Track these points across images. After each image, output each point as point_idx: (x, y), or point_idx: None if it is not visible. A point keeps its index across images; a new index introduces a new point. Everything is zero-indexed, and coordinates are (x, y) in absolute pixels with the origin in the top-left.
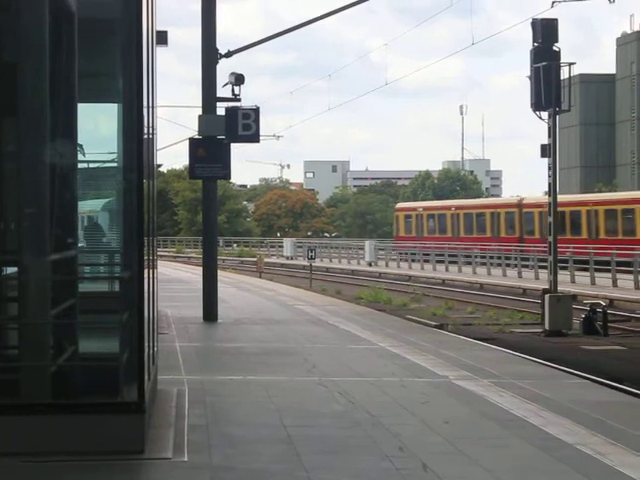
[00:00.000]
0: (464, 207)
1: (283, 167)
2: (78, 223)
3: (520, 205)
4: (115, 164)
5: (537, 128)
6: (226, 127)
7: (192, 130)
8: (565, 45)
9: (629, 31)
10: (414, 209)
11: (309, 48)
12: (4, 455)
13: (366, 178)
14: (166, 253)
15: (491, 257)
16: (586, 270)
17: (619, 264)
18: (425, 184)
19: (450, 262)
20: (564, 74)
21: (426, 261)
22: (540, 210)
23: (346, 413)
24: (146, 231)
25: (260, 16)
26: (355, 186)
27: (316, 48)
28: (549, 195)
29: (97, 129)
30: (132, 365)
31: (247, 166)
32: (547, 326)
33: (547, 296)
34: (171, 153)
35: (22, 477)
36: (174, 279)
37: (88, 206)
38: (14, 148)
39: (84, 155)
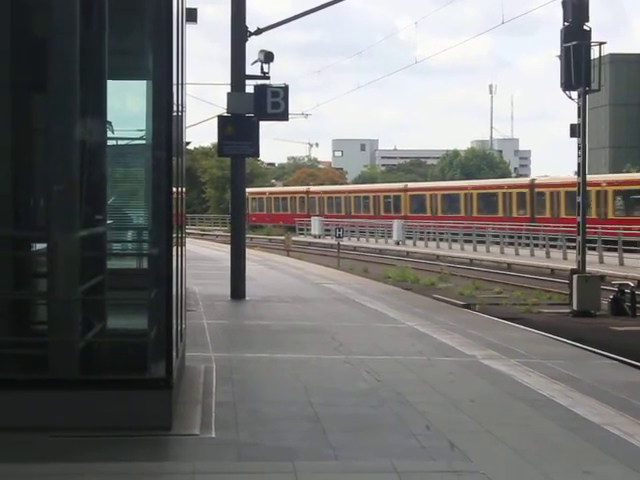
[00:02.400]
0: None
1: (311, 145)
2: (107, 200)
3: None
4: (144, 141)
5: (567, 108)
6: (255, 105)
7: (220, 108)
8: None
9: None
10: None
11: (337, 26)
12: (33, 430)
13: (394, 157)
14: (194, 231)
15: (519, 237)
16: (614, 250)
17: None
18: (453, 163)
19: (478, 242)
20: (594, 54)
21: (454, 240)
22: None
23: (373, 391)
24: (174, 208)
25: None
26: (383, 165)
27: (344, 26)
28: (578, 175)
29: (126, 106)
30: (160, 342)
31: (275, 144)
32: (575, 306)
33: (575, 276)
34: (199, 131)
35: (50, 452)
36: (202, 257)
37: (117, 183)
38: (44, 125)
39: (113, 132)
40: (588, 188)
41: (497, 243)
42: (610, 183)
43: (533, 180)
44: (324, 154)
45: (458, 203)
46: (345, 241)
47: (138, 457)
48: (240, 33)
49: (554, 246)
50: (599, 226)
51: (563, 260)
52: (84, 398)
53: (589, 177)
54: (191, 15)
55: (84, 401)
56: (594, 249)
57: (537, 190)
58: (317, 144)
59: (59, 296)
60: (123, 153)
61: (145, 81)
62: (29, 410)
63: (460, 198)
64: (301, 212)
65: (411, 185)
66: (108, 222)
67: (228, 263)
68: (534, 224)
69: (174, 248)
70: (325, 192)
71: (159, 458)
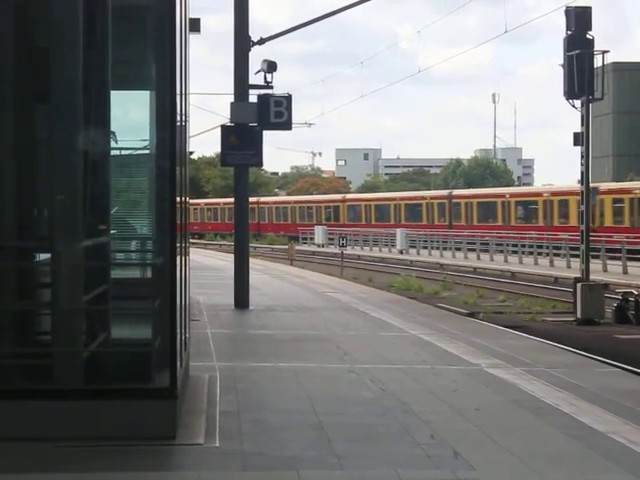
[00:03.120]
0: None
1: (315, 155)
2: (110, 210)
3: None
4: (148, 151)
5: (570, 117)
6: (258, 114)
7: (223, 117)
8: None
9: None
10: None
11: (339, 35)
12: (37, 440)
13: (398, 166)
14: (197, 241)
15: (523, 245)
16: (618, 259)
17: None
18: (456, 172)
19: (482, 250)
20: (597, 62)
21: (457, 249)
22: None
23: (377, 400)
24: (178, 218)
25: (290, 3)
26: (387, 174)
27: (346, 35)
28: (581, 184)
29: (130, 116)
30: (164, 351)
31: (279, 154)
32: (579, 315)
33: (579, 285)
34: (203, 140)
35: (55, 462)
36: (206, 266)
37: (121, 193)
38: (48, 135)
39: (117, 142)
40: (495, 199)
41: (501, 252)
42: (513, 195)
43: (450, 192)
44: (327, 163)
45: (389, 212)
46: (349, 250)
47: (142, 467)
48: (243, 43)
49: (558, 255)
50: (503, 231)
51: (567, 268)
52: (88, 408)
53: (497, 190)
54: (194, 25)
55: (88, 411)
56: (598, 257)
57: (454, 201)
58: (320, 153)
59: (63, 306)
60: (127, 163)
61: (148, 91)
62: (33, 420)
63: (390, 208)
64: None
65: (349, 196)
66: (112, 232)
67: (232, 272)
68: (452, 230)
69: (178, 258)
70: (275, 202)
71: (163, 468)
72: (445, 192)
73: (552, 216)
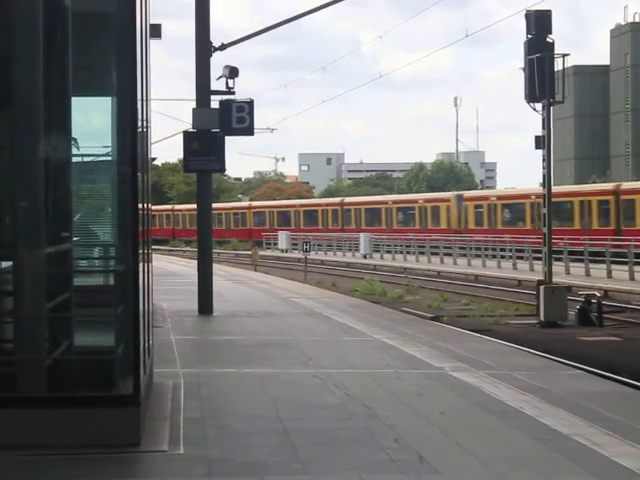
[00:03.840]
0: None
1: (278, 160)
2: (72, 217)
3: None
4: (109, 158)
5: (531, 120)
6: (220, 120)
7: (186, 123)
8: (557, 36)
9: (623, 22)
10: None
11: (300, 40)
12: (0, 448)
13: (361, 170)
14: (161, 247)
15: (486, 249)
16: (580, 261)
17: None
18: (419, 176)
19: (445, 254)
20: (558, 65)
21: (421, 253)
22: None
23: (341, 405)
24: (141, 225)
25: (249, 7)
26: (350, 178)
27: (307, 40)
28: (544, 187)
29: (91, 123)
30: (128, 358)
31: (241, 159)
32: (542, 317)
33: (542, 287)
34: (165, 146)
35: (18, 470)
36: (169, 272)
37: (83, 200)
38: (8, 142)
39: (78, 149)
40: (380, 206)
41: (464, 255)
42: (394, 202)
43: (342, 200)
44: (290, 168)
45: (290, 218)
46: (312, 255)
47: (106, 474)
48: (205, 49)
49: (521, 257)
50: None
51: (530, 271)
52: (51, 416)
53: (382, 197)
54: (155, 31)
55: (51, 419)
56: (561, 260)
57: (345, 207)
58: (283, 158)
59: (25, 314)
60: (88, 169)
61: (110, 97)
62: None
63: (291, 214)
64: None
65: (255, 204)
66: (74, 239)
67: (195, 278)
68: (345, 233)
69: (141, 264)
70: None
71: (128, 475)
72: (338, 200)
73: (426, 220)
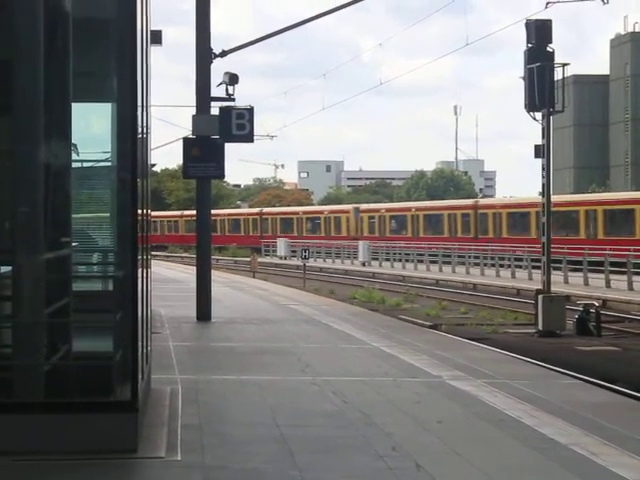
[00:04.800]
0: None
1: (277, 167)
2: (72, 222)
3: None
4: (109, 163)
5: (531, 129)
6: (220, 127)
7: (185, 129)
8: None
9: (623, 32)
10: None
11: (300, 46)
12: None
13: (360, 178)
14: (160, 253)
15: (485, 257)
16: (579, 271)
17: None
18: (419, 184)
19: (444, 262)
20: (558, 75)
21: (420, 261)
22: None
23: (339, 412)
24: (140, 230)
25: (250, 13)
26: (349, 186)
27: (308, 46)
28: (543, 196)
29: (91, 128)
30: (126, 364)
31: (241, 166)
32: (540, 326)
33: (540, 296)
34: (165, 152)
35: (15, 476)
36: (168, 279)
37: (82, 205)
38: (8, 147)
39: (78, 154)
40: (292, 216)
41: (463, 264)
42: (304, 212)
43: (261, 210)
44: (290, 175)
45: (239, 224)
46: (311, 262)
47: None
48: (205, 56)
49: (519, 266)
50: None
51: (528, 280)
52: (49, 421)
53: (294, 208)
54: (156, 37)
55: (49, 424)
56: (560, 269)
57: (264, 217)
58: (283, 165)
59: (24, 319)
60: (88, 175)
61: (110, 103)
62: None
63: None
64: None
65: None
66: (73, 244)
67: (194, 285)
68: (263, 239)
69: (139, 270)
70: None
71: None
72: (257, 210)
73: (330, 228)
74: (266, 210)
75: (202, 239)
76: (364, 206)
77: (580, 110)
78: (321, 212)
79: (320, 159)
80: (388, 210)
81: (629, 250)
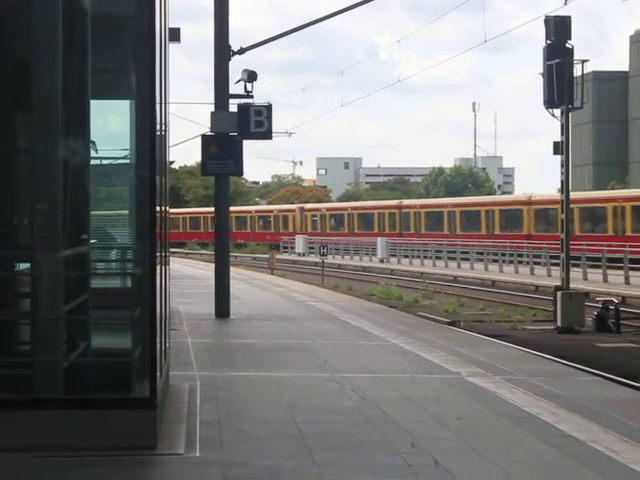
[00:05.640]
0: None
1: (296, 164)
2: (90, 219)
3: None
4: (128, 161)
5: (550, 125)
6: (238, 124)
7: (204, 126)
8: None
9: None
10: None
11: (318, 43)
12: (17, 450)
13: (378, 175)
14: (178, 250)
15: (503, 254)
16: (598, 267)
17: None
18: (438, 180)
19: (462, 259)
20: (577, 71)
21: (438, 258)
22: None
23: (358, 409)
24: (158, 227)
25: (267, 10)
26: (367, 183)
27: (325, 43)
28: (561, 192)
29: (110, 126)
30: (144, 361)
31: (259, 163)
32: (559, 323)
33: (559, 293)
34: (183, 149)
35: (34, 472)
36: (186, 276)
37: (100, 203)
38: (28, 145)
39: (97, 152)
40: (245, 215)
41: (481, 260)
42: (257, 211)
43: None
44: (308, 172)
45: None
46: (329, 259)
47: (123, 477)
48: (223, 53)
49: (538, 263)
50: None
51: (547, 277)
52: (68, 418)
53: (246, 207)
54: (174, 35)
55: (68, 421)
56: (578, 266)
57: (258, 215)
58: (301, 162)
59: (43, 316)
60: (107, 172)
61: (128, 100)
62: (12, 430)
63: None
64: None
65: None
66: (92, 241)
67: (212, 282)
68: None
69: (158, 267)
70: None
71: (144, 478)
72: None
73: (279, 225)
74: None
75: (220, 236)
76: (308, 206)
77: (599, 107)
78: (271, 211)
79: (338, 156)
80: (328, 209)
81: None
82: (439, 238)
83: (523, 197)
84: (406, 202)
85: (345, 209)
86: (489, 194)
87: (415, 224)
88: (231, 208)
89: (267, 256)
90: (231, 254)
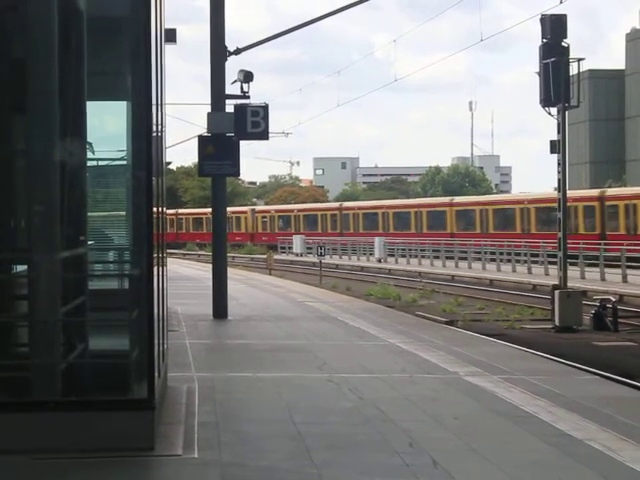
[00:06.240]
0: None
1: (293, 164)
2: (87, 221)
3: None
4: (124, 162)
5: (546, 124)
6: (235, 124)
7: (201, 127)
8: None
9: (638, 26)
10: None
11: (313, 43)
12: (15, 452)
13: (376, 174)
14: (176, 251)
15: (501, 253)
16: (596, 266)
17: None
18: (435, 180)
19: (460, 258)
20: (573, 70)
21: (436, 257)
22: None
23: (356, 409)
24: (155, 228)
25: (263, 10)
26: (365, 182)
27: (321, 43)
28: (558, 191)
29: (106, 127)
30: (142, 362)
31: (256, 163)
32: (557, 322)
33: (557, 292)
34: (180, 150)
35: (33, 474)
36: (184, 276)
37: (97, 204)
38: (24, 146)
39: (93, 153)
40: (201, 217)
41: (479, 259)
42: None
43: (177, 211)
44: (305, 172)
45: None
46: (327, 259)
47: (120, 478)
48: (220, 53)
49: (535, 262)
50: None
51: (545, 276)
52: (66, 420)
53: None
54: (170, 36)
55: (66, 423)
56: (576, 264)
57: (179, 217)
58: (298, 162)
59: (41, 318)
60: (104, 174)
61: (125, 102)
62: (10, 432)
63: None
64: None
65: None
66: (89, 243)
67: (210, 283)
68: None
69: (155, 268)
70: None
71: (142, 479)
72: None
73: (232, 226)
74: (181, 211)
75: (218, 237)
76: (258, 208)
77: (595, 105)
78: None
79: (335, 156)
80: (277, 211)
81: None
82: (373, 237)
83: (447, 200)
84: (346, 204)
85: (292, 211)
86: (486, 193)
87: (354, 224)
88: (187, 210)
89: (265, 256)
90: (229, 254)
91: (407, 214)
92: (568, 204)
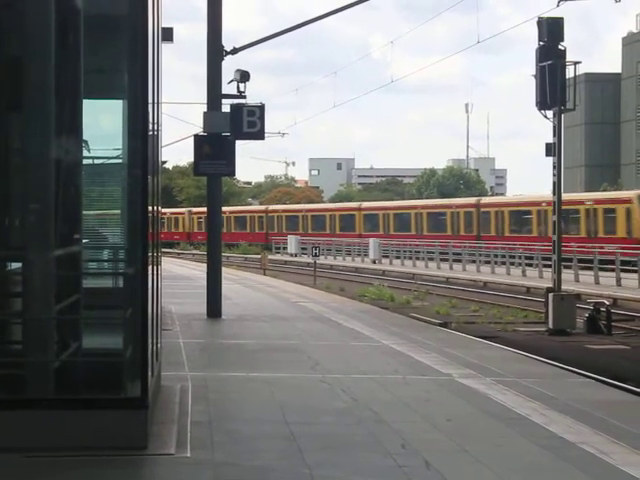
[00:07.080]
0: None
1: (288, 164)
2: (82, 219)
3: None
4: (120, 160)
5: (542, 127)
6: (231, 124)
7: (196, 127)
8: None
9: (635, 30)
10: None
11: (310, 44)
12: (7, 450)
13: (371, 176)
14: (171, 250)
15: (495, 255)
16: (590, 269)
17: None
18: (430, 182)
19: (454, 260)
20: (569, 73)
21: (430, 259)
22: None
23: (349, 410)
24: (150, 227)
25: (260, 10)
26: (360, 184)
27: (317, 44)
28: (554, 194)
29: (102, 125)
30: (136, 361)
31: (252, 163)
32: (551, 325)
33: (551, 295)
34: (176, 149)
35: (25, 472)
36: (178, 276)
37: (93, 202)
38: (20, 144)
39: (89, 151)
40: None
41: (473, 262)
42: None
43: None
44: (301, 173)
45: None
46: (321, 260)
47: (113, 477)
48: (216, 53)
49: (530, 265)
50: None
51: (539, 278)
52: (59, 418)
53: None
54: (167, 34)
55: (59, 421)
56: (570, 267)
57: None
58: (294, 163)
59: (34, 316)
60: (99, 172)
61: (121, 100)
62: (3, 430)
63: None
64: None
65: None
66: (84, 241)
67: (204, 282)
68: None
69: (150, 267)
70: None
71: (134, 478)
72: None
73: (171, 226)
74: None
75: (212, 236)
76: (194, 209)
77: (591, 108)
78: (164, 214)
79: (331, 156)
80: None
81: None
82: (297, 236)
83: (355, 205)
84: (271, 207)
85: (224, 212)
86: (480, 195)
87: (278, 225)
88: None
89: (259, 256)
90: (223, 254)
91: (322, 217)
92: (451, 210)
